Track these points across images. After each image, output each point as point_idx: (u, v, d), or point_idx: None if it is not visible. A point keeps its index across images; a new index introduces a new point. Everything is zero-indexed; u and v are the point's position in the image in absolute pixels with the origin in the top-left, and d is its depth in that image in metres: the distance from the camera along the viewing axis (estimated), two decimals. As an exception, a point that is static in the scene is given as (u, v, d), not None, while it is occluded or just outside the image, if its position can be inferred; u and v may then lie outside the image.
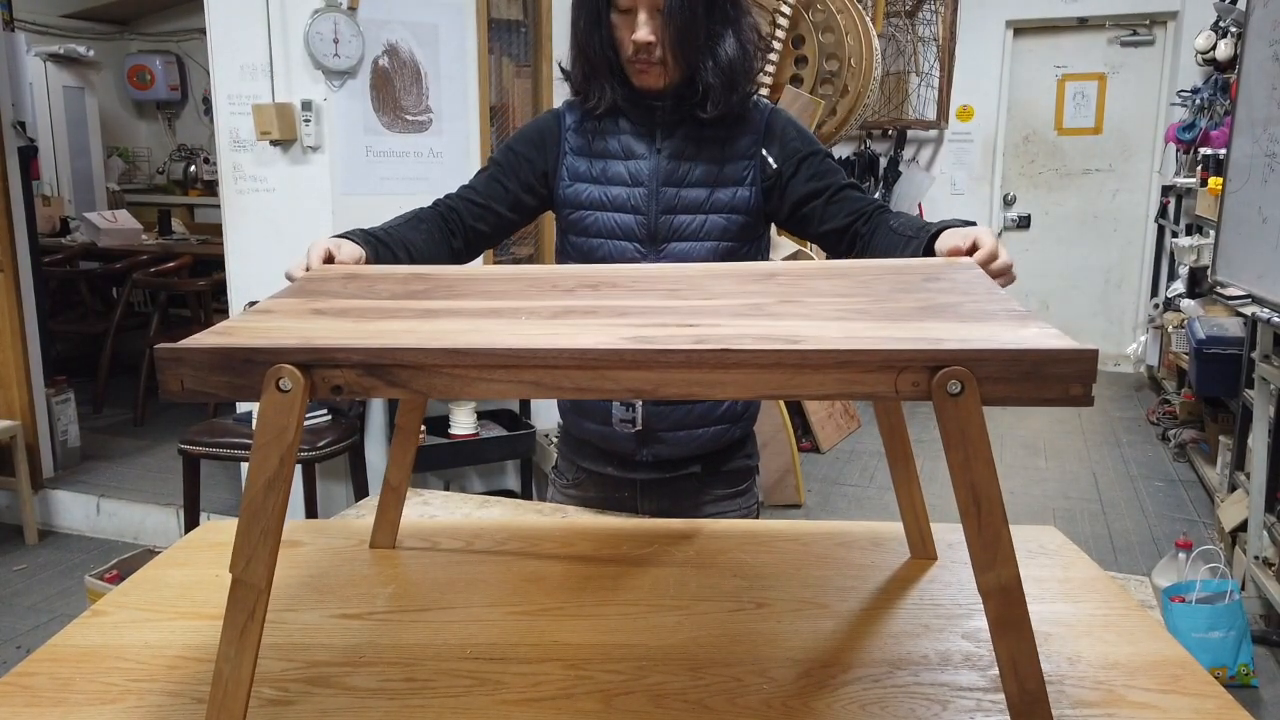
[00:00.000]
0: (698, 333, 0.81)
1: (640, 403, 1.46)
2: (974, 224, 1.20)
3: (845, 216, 1.39)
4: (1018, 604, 0.77)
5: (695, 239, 1.42)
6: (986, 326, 0.83)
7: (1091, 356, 0.72)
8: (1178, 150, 5.40)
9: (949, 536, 1.22)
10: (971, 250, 1.13)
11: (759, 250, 1.50)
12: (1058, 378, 0.73)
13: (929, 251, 1.19)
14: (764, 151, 1.43)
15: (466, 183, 1.49)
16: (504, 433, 3.47)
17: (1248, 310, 3.10)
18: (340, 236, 1.25)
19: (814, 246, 4.43)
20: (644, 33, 1.33)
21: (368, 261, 1.23)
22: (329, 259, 1.18)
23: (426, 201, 1.46)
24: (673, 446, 1.49)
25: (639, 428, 1.47)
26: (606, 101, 1.41)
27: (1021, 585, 0.77)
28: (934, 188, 6.39)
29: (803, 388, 0.76)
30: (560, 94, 1.60)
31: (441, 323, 0.89)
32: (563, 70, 1.48)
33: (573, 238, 1.48)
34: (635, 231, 1.43)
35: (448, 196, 1.47)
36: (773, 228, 1.54)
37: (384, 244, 1.30)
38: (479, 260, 1.69)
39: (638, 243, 1.43)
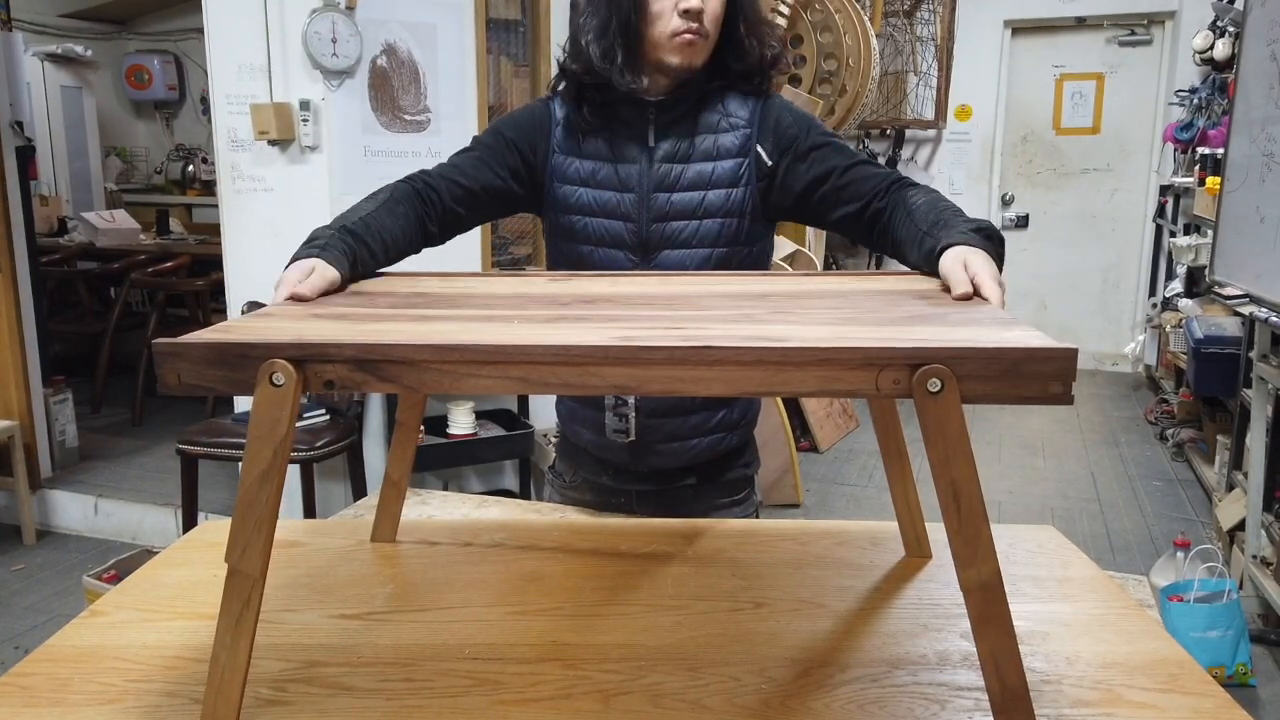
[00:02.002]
0: (685, 334, 0.82)
1: (633, 414, 1.43)
2: (989, 224, 1.12)
3: (859, 199, 1.31)
4: (999, 600, 0.77)
5: (688, 246, 1.37)
6: (970, 329, 0.84)
7: (1070, 355, 0.73)
8: (1175, 150, 5.41)
9: (945, 535, 1.22)
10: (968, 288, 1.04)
11: (758, 256, 1.44)
12: (1037, 376, 0.74)
13: (938, 259, 1.09)
14: (758, 147, 1.37)
15: (449, 160, 1.39)
16: (502, 433, 3.47)
17: (1245, 310, 3.11)
18: (313, 248, 1.13)
19: (813, 246, 4.43)
20: (694, 0, 1.29)
21: (344, 273, 1.13)
22: (298, 298, 1.05)
23: None
24: (667, 458, 1.47)
25: (632, 439, 1.45)
26: (630, 85, 1.33)
27: (1002, 581, 0.77)
28: (932, 187, 6.39)
29: (785, 385, 0.77)
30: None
31: (435, 325, 0.90)
32: (572, 60, 1.38)
33: (561, 243, 1.43)
34: (625, 239, 1.38)
35: (425, 173, 1.36)
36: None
37: (362, 241, 1.19)
38: (475, 264, 1.67)
39: (628, 250, 1.38)
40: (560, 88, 1.44)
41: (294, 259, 1.13)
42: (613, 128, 1.39)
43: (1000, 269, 1.06)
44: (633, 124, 1.38)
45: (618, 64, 1.33)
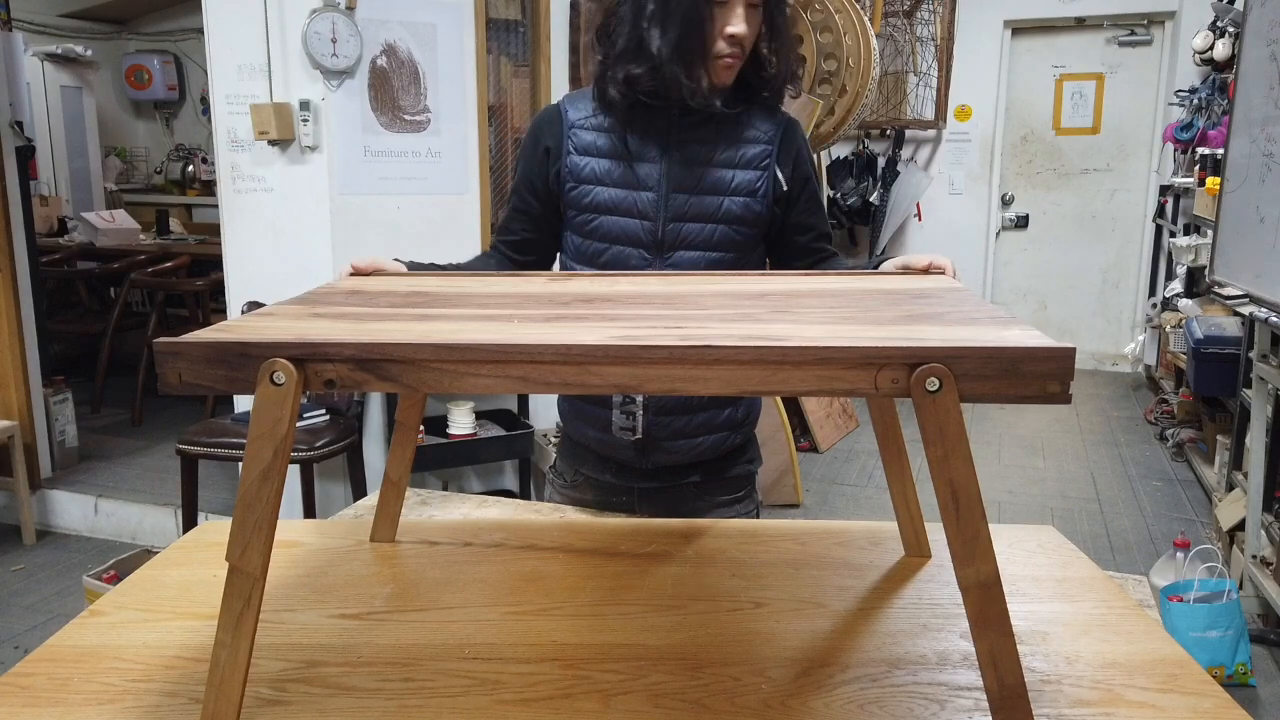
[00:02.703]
0: (684, 333, 0.83)
1: (640, 411, 1.44)
2: None
3: (806, 258, 1.48)
4: (997, 599, 0.77)
5: (704, 249, 1.40)
6: (968, 329, 0.85)
7: (1068, 355, 0.73)
8: (1175, 150, 5.41)
9: (944, 535, 1.22)
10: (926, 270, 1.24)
11: (758, 263, 1.48)
12: (1035, 375, 0.74)
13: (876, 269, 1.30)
14: (777, 167, 1.41)
15: (499, 226, 1.54)
16: (502, 433, 3.47)
17: (1245, 310, 3.10)
18: (402, 262, 1.30)
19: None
20: (741, 26, 1.32)
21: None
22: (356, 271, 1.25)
23: (424, 201, 1.48)
24: (673, 455, 1.47)
25: (639, 436, 1.45)
26: (700, 101, 1.35)
27: (1000, 580, 0.77)
28: (932, 188, 6.39)
29: (784, 384, 0.77)
30: (559, 94, 1.58)
31: (435, 324, 0.90)
32: (633, 62, 1.35)
33: (576, 239, 1.44)
34: (642, 238, 1.39)
35: (493, 247, 1.52)
36: None
37: (442, 269, 1.36)
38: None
39: (644, 249, 1.40)
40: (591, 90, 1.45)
41: None
42: (632, 128, 1.40)
43: None
44: (655, 125, 1.40)
45: (685, 81, 1.34)
